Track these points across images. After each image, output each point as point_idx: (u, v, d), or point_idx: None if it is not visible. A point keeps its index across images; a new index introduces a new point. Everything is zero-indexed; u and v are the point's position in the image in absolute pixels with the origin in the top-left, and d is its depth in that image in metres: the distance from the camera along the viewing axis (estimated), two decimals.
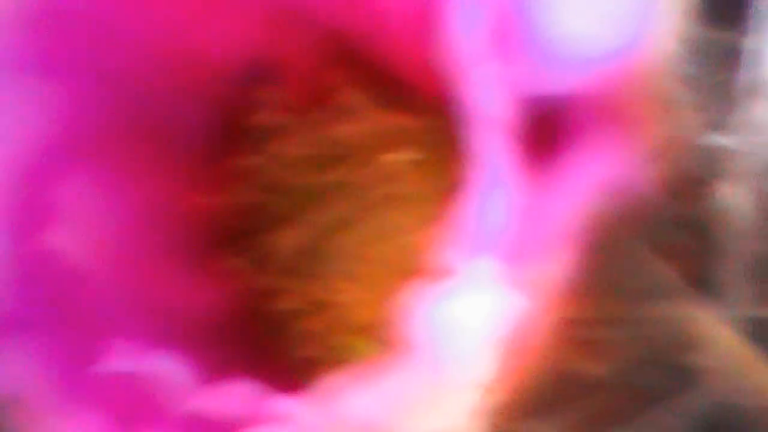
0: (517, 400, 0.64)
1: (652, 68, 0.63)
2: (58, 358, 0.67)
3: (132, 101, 0.71)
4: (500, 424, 0.65)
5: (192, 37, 0.71)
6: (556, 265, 0.62)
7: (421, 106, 0.70)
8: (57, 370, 0.67)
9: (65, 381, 0.67)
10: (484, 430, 0.62)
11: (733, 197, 0.70)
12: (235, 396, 0.66)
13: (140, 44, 0.70)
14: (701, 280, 0.68)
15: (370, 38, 0.70)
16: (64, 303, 0.68)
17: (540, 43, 0.62)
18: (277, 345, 0.72)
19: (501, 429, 0.66)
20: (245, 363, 0.69)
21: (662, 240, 0.69)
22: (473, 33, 0.62)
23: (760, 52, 0.69)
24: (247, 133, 0.73)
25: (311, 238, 0.72)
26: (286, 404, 0.65)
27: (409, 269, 0.66)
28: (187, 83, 0.72)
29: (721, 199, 0.70)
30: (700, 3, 0.70)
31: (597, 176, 0.62)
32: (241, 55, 0.72)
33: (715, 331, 0.66)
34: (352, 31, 0.70)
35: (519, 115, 0.62)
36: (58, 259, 0.68)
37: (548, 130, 0.64)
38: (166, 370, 0.67)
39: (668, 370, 0.70)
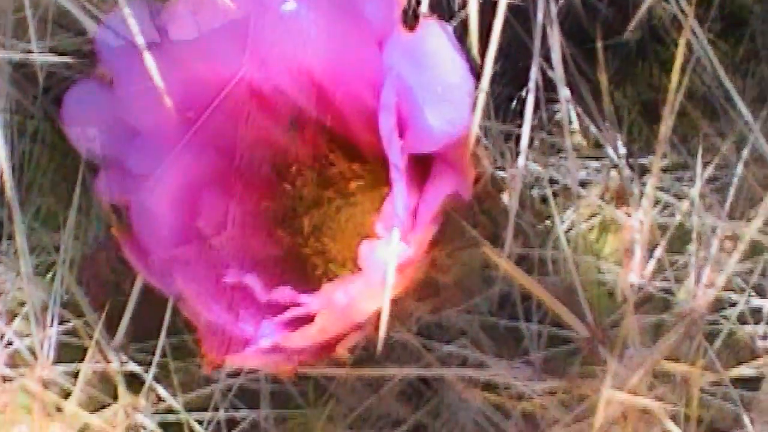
0: (409, 293, 0.63)
1: (471, 140, 0.61)
2: (201, 278, 0.65)
3: (235, 159, 0.68)
4: (400, 304, 0.64)
5: (261, 130, 0.68)
6: (427, 231, 0.62)
7: (368, 160, 0.68)
8: (200, 283, 0.65)
9: (205, 289, 0.65)
10: (392, 308, 0.60)
11: (508, 200, 0.68)
12: (284, 294, 0.65)
13: (240, 134, 0.67)
14: (491, 238, 0.66)
15: (343, 128, 0.67)
16: (204, 252, 0.66)
17: (421, 128, 0.61)
18: (303, 270, 0.69)
19: (400, 306, 0.66)
20: (289, 279, 0.66)
21: (473, 219, 0.67)
22: (389, 127, 0.61)
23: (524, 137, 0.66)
24: (289, 173, 0.69)
25: (317, 222, 0.69)
26: (307, 297, 0.64)
27: (363, 235, 0.66)
28: (260, 152, 0.68)
29: (502, 201, 0.68)
30: (489, 106, 0.70)
31: (447, 190, 0.61)
32: (282, 139, 0.69)
33: (500, 260, 0.64)
34: (335, 125, 0.67)
35: (410, 162, 0.61)
36: (201, 232, 0.66)
37: (425, 168, 0.63)
38: (253, 282, 0.65)
39: (478, 278, 0.69)
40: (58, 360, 0.70)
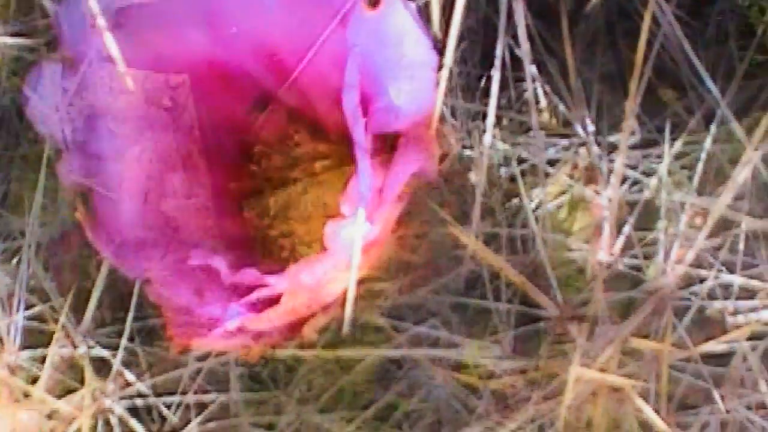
0: (376, 273, 0.63)
1: (435, 118, 0.60)
2: (164, 260, 0.65)
3: (202, 139, 0.67)
4: (368, 285, 0.64)
5: (225, 110, 0.68)
6: (393, 210, 0.61)
7: (332, 139, 0.68)
8: (166, 266, 0.64)
9: (169, 271, 0.64)
10: (360, 287, 0.60)
11: (475, 179, 0.67)
12: (250, 276, 0.64)
13: (205, 115, 0.67)
14: (457, 217, 0.66)
15: (308, 107, 0.67)
16: (168, 234, 0.65)
17: (385, 106, 0.61)
18: (269, 252, 0.69)
19: (368, 287, 0.65)
20: (255, 260, 0.66)
21: (440, 198, 0.67)
22: (353, 105, 0.61)
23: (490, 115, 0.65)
24: (254, 154, 0.69)
25: (284, 202, 0.69)
26: (273, 278, 0.63)
27: (329, 216, 0.64)
28: (228, 132, 0.68)
29: (468, 179, 0.68)
30: (457, 86, 0.70)
31: (412, 168, 0.61)
32: (247, 120, 0.68)
33: (468, 239, 0.64)
34: (300, 104, 0.67)
35: (375, 141, 0.61)
36: (167, 214, 0.66)
37: (389, 147, 0.62)
38: (219, 264, 0.64)
39: (447, 257, 0.68)
40: (25, 345, 0.70)
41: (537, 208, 0.69)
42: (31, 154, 0.76)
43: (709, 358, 0.66)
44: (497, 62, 0.65)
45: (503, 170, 0.70)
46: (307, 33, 0.63)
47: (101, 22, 0.61)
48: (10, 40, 0.68)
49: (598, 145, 0.70)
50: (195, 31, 0.64)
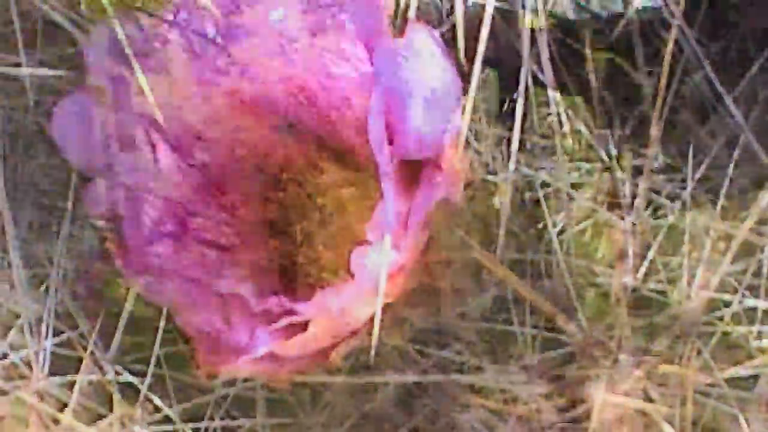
0: (402, 299, 0.63)
1: (457, 143, 0.61)
2: (194, 288, 0.65)
3: (226, 168, 0.68)
4: (394, 311, 0.64)
5: (252, 139, 0.68)
6: (419, 237, 0.61)
7: (358, 167, 0.68)
8: (193, 293, 0.65)
9: (199, 298, 0.65)
10: (386, 313, 0.61)
11: (500, 204, 0.67)
12: (277, 303, 0.64)
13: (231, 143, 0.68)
14: (482, 242, 0.66)
15: (334, 135, 0.67)
16: (197, 262, 0.66)
17: (409, 133, 0.61)
18: (296, 279, 0.69)
19: (394, 313, 0.65)
20: (282, 287, 0.67)
21: (465, 223, 0.66)
22: (378, 133, 0.61)
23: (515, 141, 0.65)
24: (280, 182, 0.69)
25: (310, 230, 0.69)
26: (300, 306, 0.63)
27: (355, 243, 0.65)
28: (251, 161, 0.68)
29: (492, 204, 0.68)
30: (481, 111, 0.70)
31: (437, 194, 0.61)
32: (274, 149, 0.69)
33: (492, 264, 0.64)
34: (326, 132, 0.67)
35: (400, 168, 0.61)
36: (193, 241, 0.66)
37: (415, 173, 0.63)
38: (246, 291, 0.65)
39: (472, 282, 0.68)
40: (54, 372, 0.70)
41: (561, 232, 0.69)
42: (59, 182, 0.77)
43: (734, 383, 0.66)
44: (521, 88, 0.65)
45: (527, 195, 0.71)
46: (332, 62, 0.63)
47: (129, 51, 0.62)
48: (37, 69, 0.69)
49: (622, 169, 0.70)
50: (220, 64, 0.65)
